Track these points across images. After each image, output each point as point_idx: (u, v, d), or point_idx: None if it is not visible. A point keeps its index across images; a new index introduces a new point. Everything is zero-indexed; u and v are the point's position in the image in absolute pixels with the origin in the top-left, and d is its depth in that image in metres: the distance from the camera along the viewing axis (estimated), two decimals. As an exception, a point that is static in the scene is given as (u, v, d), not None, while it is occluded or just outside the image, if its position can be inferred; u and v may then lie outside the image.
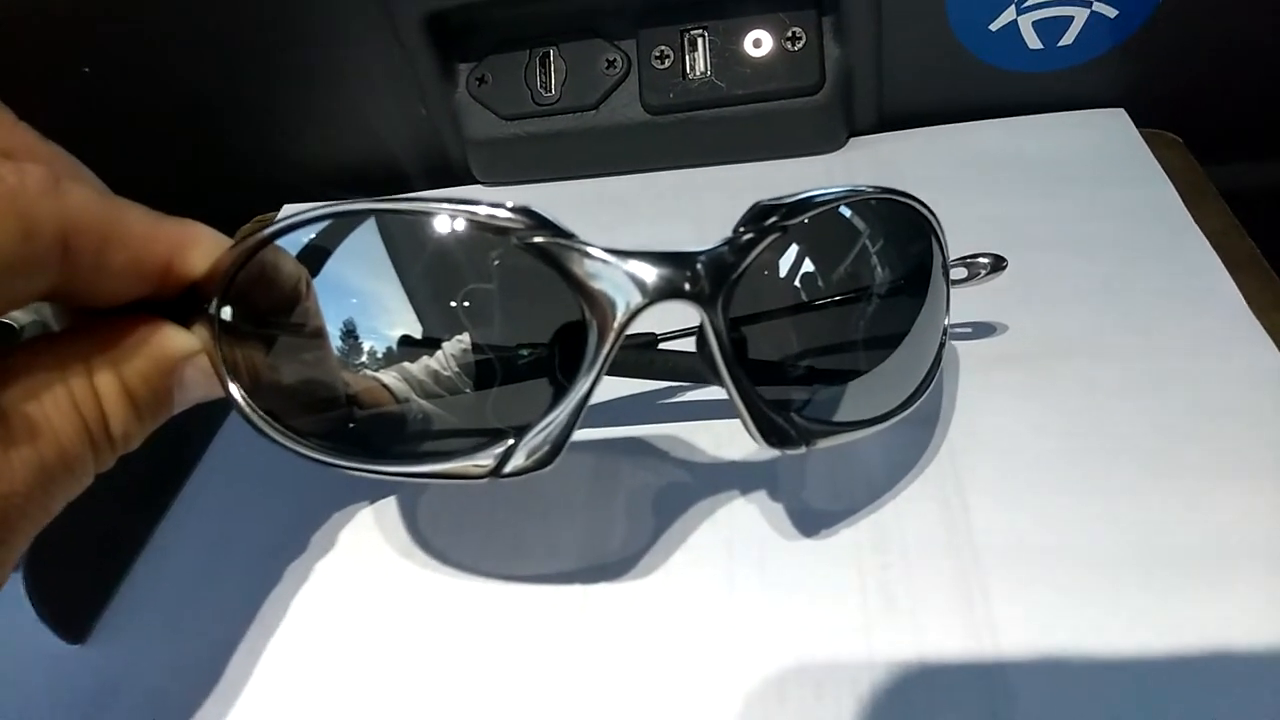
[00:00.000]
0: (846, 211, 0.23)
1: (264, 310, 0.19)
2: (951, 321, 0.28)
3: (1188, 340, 0.27)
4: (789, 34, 0.36)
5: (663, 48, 0.37)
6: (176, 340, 0.19)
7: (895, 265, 0.23)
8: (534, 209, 0.19)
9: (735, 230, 0.20)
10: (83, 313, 0.18)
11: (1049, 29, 0.35)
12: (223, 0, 0.37)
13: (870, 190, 0.23)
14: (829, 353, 0.24)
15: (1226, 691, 0.19)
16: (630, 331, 0.19)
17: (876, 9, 0.35)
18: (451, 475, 0.20)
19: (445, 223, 0.19)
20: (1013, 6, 0.34)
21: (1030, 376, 0.27)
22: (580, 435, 0.27)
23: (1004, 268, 0.26)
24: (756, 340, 0.22)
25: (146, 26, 0.38)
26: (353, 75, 0.39)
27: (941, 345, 0.25)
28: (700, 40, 0.37)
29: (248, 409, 0.19)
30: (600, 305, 0.19)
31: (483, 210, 0.19)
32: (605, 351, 0.19)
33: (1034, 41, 0.35)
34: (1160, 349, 0.27)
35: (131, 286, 0.18)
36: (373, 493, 0.27)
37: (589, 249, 0.19)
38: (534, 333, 0.21)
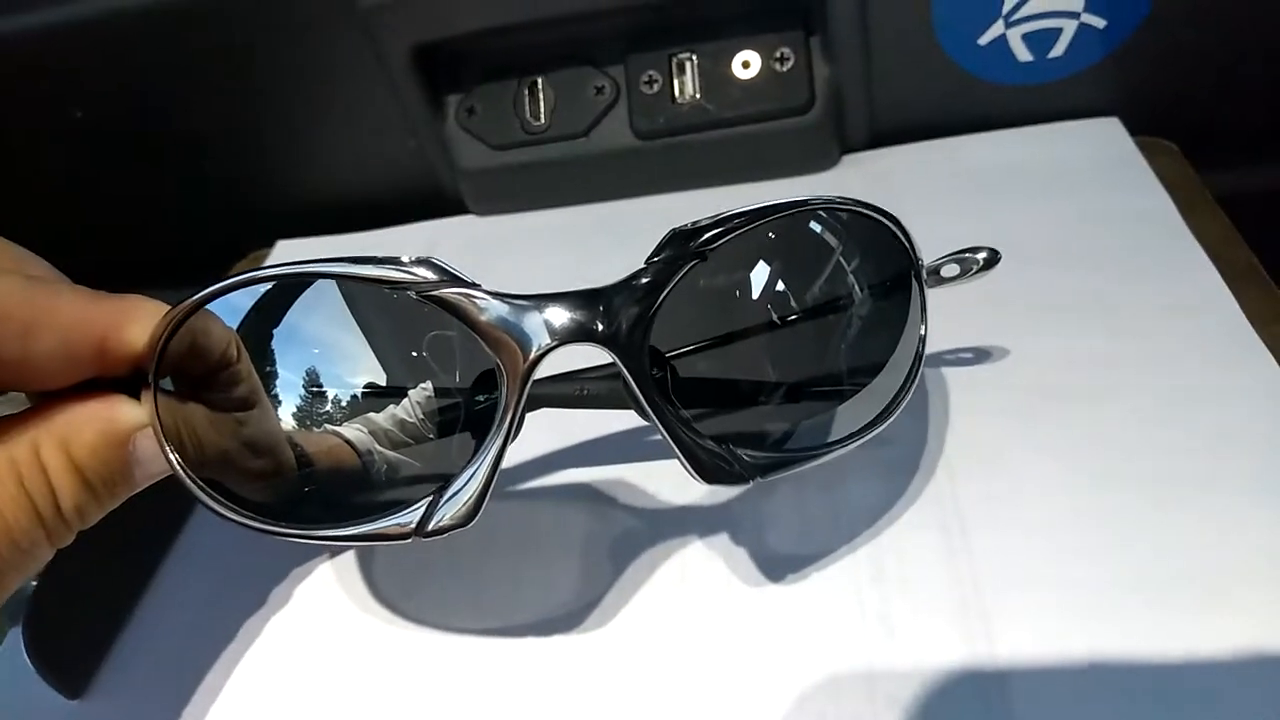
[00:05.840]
0: (782, 227, 0.21)
1: (198, 376, 0.19)
2: (951, 346, 0.28)
3: (1186, 355, 0.26)
4: (777, 54, 0.36)
5: (651, 73, 0.37)
6: (126, 412, 0.18)
7: (847, 278, 0.22)
8: (435, 260, 0.19)
9: (647, 261, 0.20)
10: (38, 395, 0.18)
11: (1038, 41, 0.35)
12: (211, 40, 0.37)
13: (816, 202, 0.21)
14: (779, 380, 0.23)
15: (1230, 710, 0.19)
16: (542, 375, 0.19)
17: (863, 27, 0.35)
18: (375, 537, 0.19)
19: (353, 283, 0.19)
20: (1001, 20, 0.34)
21: (1027, 395, 0.26)
22: (570, 475, 0.27)
23: (998, 261, 0.25)
24: (690, 373, 0.21)
25: (134, 68, 0.38)
26: (343, 109, 0.40)
27: (918, 357, 0.23)
28: (688, 64, 0.37)
29: (185, 476, 0.19)
30: (506, 352, 0.19)
31: (384, 271, 0.19)
32: (516, 400, 0.19)
33: (1024, 54, 0.35)
34: (1158, 364, 0.26)
35: (66, 369, 0.18)
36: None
37: (487, 298, 0.19)
38: (452, 386, 0.21)
